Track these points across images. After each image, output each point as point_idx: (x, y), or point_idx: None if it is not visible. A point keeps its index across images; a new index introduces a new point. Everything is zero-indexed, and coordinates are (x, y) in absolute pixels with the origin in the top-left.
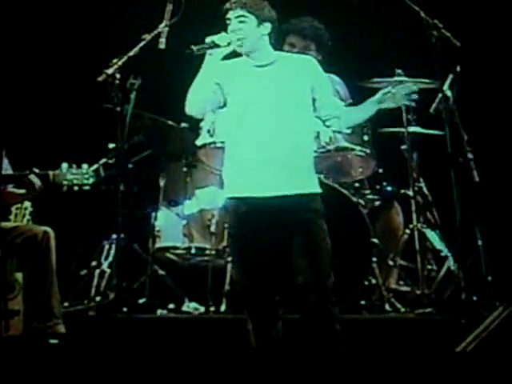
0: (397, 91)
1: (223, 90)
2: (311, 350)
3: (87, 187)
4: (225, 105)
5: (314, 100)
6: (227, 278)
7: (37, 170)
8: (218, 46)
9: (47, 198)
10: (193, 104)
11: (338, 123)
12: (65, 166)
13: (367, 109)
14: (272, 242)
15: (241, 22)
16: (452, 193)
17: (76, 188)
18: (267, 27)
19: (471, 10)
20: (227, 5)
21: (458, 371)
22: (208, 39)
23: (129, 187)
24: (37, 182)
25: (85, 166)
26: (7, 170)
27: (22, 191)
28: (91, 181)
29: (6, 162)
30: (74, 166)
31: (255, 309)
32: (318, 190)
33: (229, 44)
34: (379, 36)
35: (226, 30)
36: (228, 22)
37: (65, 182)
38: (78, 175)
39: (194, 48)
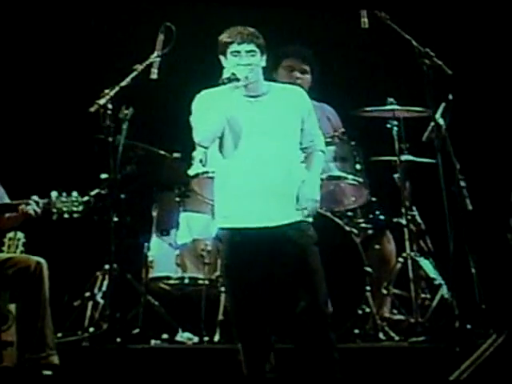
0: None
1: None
2: (308, 378)
3: (77, 215)
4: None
5: (301, 130)
6: (221, 308)
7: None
8: (238, 79)
9: (40, 228)
10: (208, 138)
11: None
12: (54, 194)
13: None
14: (266, 272)
15: (252, 55)
16: (445, 221)
17: (66, 215)
18: (265, 59)
19: (463, 39)
20: (237, 38)
21: None
22: (228, 72)
23: (121, 217)
24: (29, 209)
25: (74, 193)
26: (3, 198)
27: (14, 214)
28: (81, 208)
29: (2, 190)
30: (64, 193)
31: (248, 339)
32: (310, 219)
33: (246, 78)
34: (371, 65)
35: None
36: (236, 54)
37: (54, 210)
38: (67, 203)
39: (220, 81)
